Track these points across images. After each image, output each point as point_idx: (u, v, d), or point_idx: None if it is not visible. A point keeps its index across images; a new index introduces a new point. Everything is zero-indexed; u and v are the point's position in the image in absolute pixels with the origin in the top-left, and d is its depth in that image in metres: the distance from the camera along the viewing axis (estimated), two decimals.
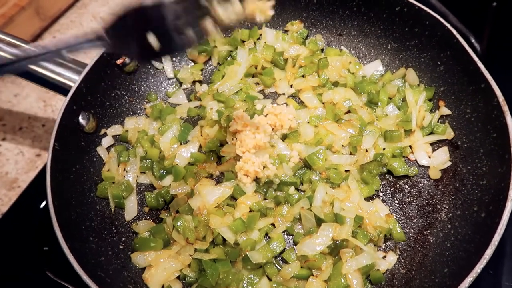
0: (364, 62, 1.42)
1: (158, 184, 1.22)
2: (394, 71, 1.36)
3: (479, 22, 1.60)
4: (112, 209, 1.18)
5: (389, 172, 1.20)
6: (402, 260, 1.08)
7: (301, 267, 1.05)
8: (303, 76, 1.38)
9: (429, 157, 1.21)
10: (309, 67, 1.37)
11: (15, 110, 1.60)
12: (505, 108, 1.03)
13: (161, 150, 1.25)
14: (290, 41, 1.43)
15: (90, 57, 1.69)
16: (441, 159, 1.19)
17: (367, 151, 1.21)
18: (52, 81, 1.20)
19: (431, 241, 1.08)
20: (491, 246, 0.87)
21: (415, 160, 1.23)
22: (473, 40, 1.51)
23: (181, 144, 1.28)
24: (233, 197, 1.17)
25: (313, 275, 1.04)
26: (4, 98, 1.63)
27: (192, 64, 1.47)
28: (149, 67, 1.41)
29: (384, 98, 1.29)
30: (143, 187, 1.25)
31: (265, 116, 1.26)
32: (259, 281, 1.05)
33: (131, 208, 1.20)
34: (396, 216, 1.14)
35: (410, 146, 1.24)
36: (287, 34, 1.46)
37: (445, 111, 1.23)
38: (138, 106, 1.38)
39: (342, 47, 1.44)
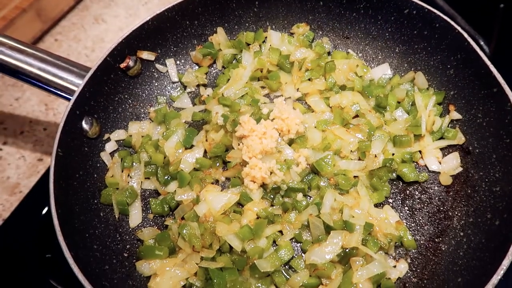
0: (371, 65, 1.40)
1: (163, 190, 1.19)
2: (403, 74, 1.34)
3: (487, 23, 1.59)
4: (117, 216, 1.16)
5: (398, 178, 1.18)
6: (414, 269, 1.05)
7: (310, 275, 1.03)
8: (309, 79, 1.36)
9: (440, 162, 1.19)
10: (315, 71, 1.35)
11: (16, 114, 1.58)
12: None
13: (166, 155, 1.23)
14: (296, 44, 1.41)
15: (92, 59, 1.68)
16: (451, 164, 1.17)
17: (376, 156, 1.19)
18: (55, 85, 1.18)
19: (443, 249, 1.06)
20: (508, 256, 0.85)
21: (425, 165, 1.20)
22: (482, 43, 1.49)
23: (186, 149, 1.26)
24: (239, 204, 1.15)
25: (322, 284, 1.02)
26: (5, 101, 1.60)
27: (197, 67, 1.45)
28: (153, 70, 1.38)
29: (392, 102, 1.27)
30: (148, 193, 1.22)
31: (272, 120, 1.24)
32: None
33: (135, 214, 1.17)
34: (406, 223, 1.12)
35: (420, 151, 1.21)
36: (293, 37, 1.44)
37: (456, 115, 1.21)
38: (142, 111, 1.35)
39: (349, 50, 1.42)
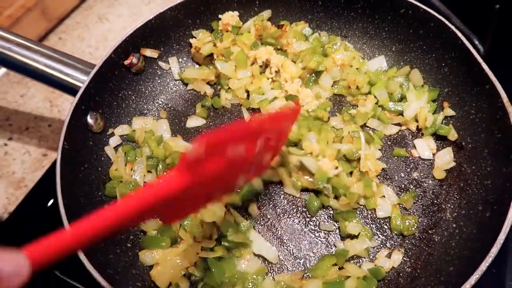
0: None
1: None
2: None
3: (482, 24, 1.62)
4: None
5: None
6: (407, 259, 1.09)
7: None
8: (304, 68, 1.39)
9: (433, 154, 1.23)
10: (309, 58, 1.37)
11: (21, 110, 1.61)
12: (510, 109, 1.04)
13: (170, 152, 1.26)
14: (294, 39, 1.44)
15: (96, 57, 1.71)
16: (445, 159, 1.20)
17: None
18: (61, 81, 1.22)
19: (436, 240, 1.09)
20: (497, 244, 0.88)
21: (419, 157, 1.24)
22: (476, 42, 1.53)
23: None
24: None
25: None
26: (10, 98, 1.64)
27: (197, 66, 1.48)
28: (156, 68, 1.42)
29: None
30: None
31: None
32: (263, 280, 1.06)
33: None
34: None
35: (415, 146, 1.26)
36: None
37: (450, 112, 1.24)
38: (145, 107, 1.39)
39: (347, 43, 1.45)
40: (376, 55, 1.43)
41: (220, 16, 1.45)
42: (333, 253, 1.10)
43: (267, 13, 1.46)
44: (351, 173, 1.17)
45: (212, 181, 0.77)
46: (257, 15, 1.45)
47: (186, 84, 1.45)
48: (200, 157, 0.70)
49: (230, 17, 1.43)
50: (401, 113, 1.29)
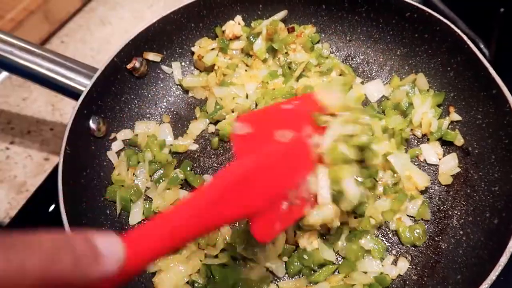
0: (372, 67, 1.42)
1: None
2: (404, 76, 1.36)
3: (487, 27, 1.61)
4: (118, 212, 1.17)
5: None
6: (414, 267, 1.07)
7: None
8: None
9: (439, 158, 1.22)
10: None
11: (23, 114, 1.61)
12: None
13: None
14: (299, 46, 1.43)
15: (98, 61, 1.70)
16: (450, 165, 1.19)
17: None
18: (63, 85, 1.21)
19: (443, 247, 1.08)
20: (506, 253, 0.86)
21: (424, 160, 1.22)
22: (482, 46, 1.51)
23: None
24: None
25: None
26: (12, 101, 1.63)
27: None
28: (159, 71, 1.41)
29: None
30: None
31: None
32: (268, 287, 1.05)
33: (136, 213, 1.18)
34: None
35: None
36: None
37: (456, 117, 1.22)
38: (148, 111, 1.38)
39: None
40: (380, 59, 1.41)
41: (223, 28, 1.43)
42: (340, 263, 1.08)
43: (280, 15, 1.43)
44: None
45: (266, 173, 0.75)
46: (271, 19, 1.41)
47: (186, 91, 1.44)
48: (248, 133, 0.70)
49: (232, 27, 1.42)
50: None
